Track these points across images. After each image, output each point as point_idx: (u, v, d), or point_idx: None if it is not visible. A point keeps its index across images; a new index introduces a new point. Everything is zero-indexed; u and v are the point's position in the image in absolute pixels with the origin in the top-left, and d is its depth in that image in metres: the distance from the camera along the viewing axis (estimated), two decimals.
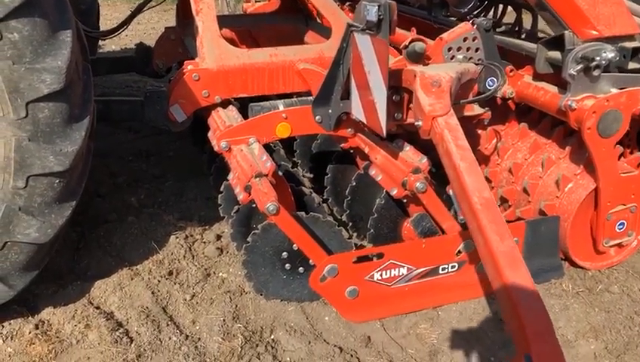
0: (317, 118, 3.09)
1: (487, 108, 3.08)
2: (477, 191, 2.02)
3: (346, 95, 2.96)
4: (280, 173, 2.89)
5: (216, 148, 3.12)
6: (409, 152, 2.90)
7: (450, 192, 2.21)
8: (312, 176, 4.17)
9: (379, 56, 2.50)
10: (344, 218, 3.54)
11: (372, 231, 3.15)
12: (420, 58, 3.09)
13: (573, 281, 3.23)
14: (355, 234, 3.62)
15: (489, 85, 3.32)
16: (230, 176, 2.97)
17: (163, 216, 3.81)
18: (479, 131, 3.79)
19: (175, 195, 4.15)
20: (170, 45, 4.69)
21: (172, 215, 3.83)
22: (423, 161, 2.79)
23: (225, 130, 3.10)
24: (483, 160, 3.77)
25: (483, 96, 2.92)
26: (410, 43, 3.07)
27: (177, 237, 3.52)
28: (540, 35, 5.69)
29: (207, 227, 3.70)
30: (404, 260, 2.82)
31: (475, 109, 3.03)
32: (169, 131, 3.82)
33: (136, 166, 4.65)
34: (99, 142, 5.14)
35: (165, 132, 4.51)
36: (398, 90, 2.87)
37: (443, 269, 2.91)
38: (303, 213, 2.84)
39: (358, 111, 2.85)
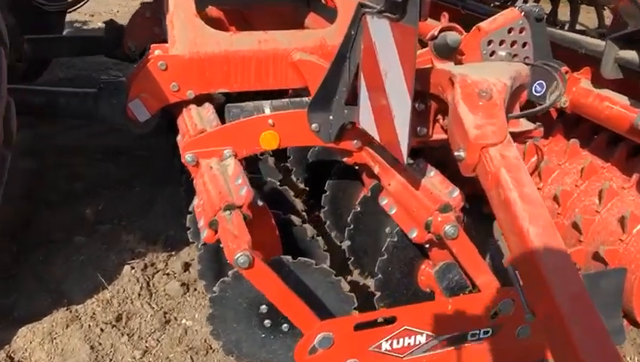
0: (313, 125, 2.36)
1: (538, 124, 2.33)
2: (561, 282, 1.27)
3: (353, 99, 2.22)
4: (260, 203, 2.15)
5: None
6: (435, 180, 2.16)
7: (515, 272, 1.47)
8: (307, 188, 3.44)
9: (402, 51, 1.76)
10: (344, 247, 2.82)
11: (380, 276, 2.43)
12: (451, 53, 2.33)
13: (637, 348, 2.52)
14: (357, 271, 2.91)
15: (536, 91, 2.59)
16: (195, 202, 2.24)
17: (121, 235, 3.09)
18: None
19: (141, 207, 3.42)
20: (145, 24, 3.93)
21: (133, 234, 3.10)
22: (454, 195, 2.06)
23: (192, 138, 2.37)
24: None
25: (540, 108, 2.17)
26: (439, 33, 2.32)
27: (134, 268, 2.80)
28: (578, 27, 4.95)
29: (173, 253, 2.98)
30: (422, 325, 2.11)
31: (522, 124, 2.28)
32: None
33: (102, 167, 3.92)
34: (63, 135, 4.47)
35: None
36: (423, 96, 2.13)
37: (473, 336, 2.20)
38: (289, 257, 2.11)
39: (367, 124, 2.11)
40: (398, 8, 1.71)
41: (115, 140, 4.20)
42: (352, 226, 2.75)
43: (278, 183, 2.76)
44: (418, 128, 2.20)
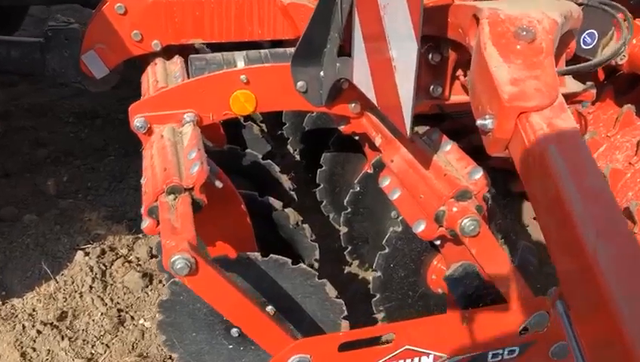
0: (299, 84, 1.85)
1: (590, 84, 1.79)
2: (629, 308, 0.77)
3: (346, 49, 1.70)
4: (219, 184, 1.64)
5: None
6: (452, 157, 1.64)
7: (566, 312, 0.98)
8: (304, 162, 2.95)
9: None
10: (341, 234, 2.34)
11: (379, 274, 1.94)
12: None
13: None
14: (355, 262, 2.43)
15: (585, 43, 2.04)
16: (143, 181, 1.76)
17: (83, 212, 2.64)
18: None
19: (112, 179, 2.96)
20: None
21: (97, 211, 2.65)
22: (476, 178, 1.54)
23: (144, 99, 1.87)
24: None
25: (594, 62, 1.63)
26: None
27: (88, 253, 2.35)
28: None
29: (140, 235, 2.52)
30: (429, 344, 1.63)
31: (567, 84, 1.74)
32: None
33: (74, 131, 3.46)
34: (34, 95, 4.01)
35: (125, 81, 3.22)
36: (438, 43, 1.60)
37: (495, 356, 1.71)
38: (255, 255, 1.63)
39: (363, 81, 1.59)
40: None
41: (91, 101, 3.72)
42: (349, 209, 2.26)
43: (261, 156, 2.26)
44: (431, 87, 1.68)
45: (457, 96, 1.68)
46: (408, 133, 1.34)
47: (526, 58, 1.04)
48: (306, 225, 2.00)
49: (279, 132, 3.16)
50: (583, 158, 0.90)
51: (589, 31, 2.00)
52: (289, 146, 3.14)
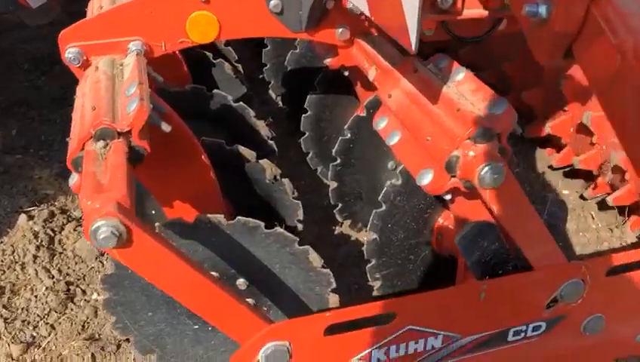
0: (272, 2, 1.48)
1: None
2: None
3: None
4: (167, 128, 1.26)
5: None
6: (466, 88, 1.28)
7: None
8: (288, 108, 2.58)
9: None
10: (330, 190, 2.00)
11: (375, 236, 1.61)
12: None
13: None
14: (347, 222, 2.09)
15: None
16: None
17: (32, 169, 2.29)
18: None
19: (69, 132, 2.58)
20: None
21: (49, 169, 2.30)
22: (499, 111, 1.19)
23: (77, 24, 1.49)
24: (578, 96, 2.17)
25: None
26: None
27: (33, 217, 2.01)
28: None
29: None
30: (437, 323, 1.31)
31: None
32: None
33: (30, 79, 3.07)
34: None
35: None
36: None
37: (517, 334, 1.41)
38: (219, 217, 1.28)
39: None
40: None
41: (52, 46, 3.29)
42: (339, 161, 1.92)
43: (232, 99, 1.90)
44: None
45: (473, 10, 1.30)
46: (414, 47, 0.98)
47: None
48: (285, 180, 1.66)
49: (260, 75, 2.80)
50: None
51: None
52: (271, 91, 2.78)
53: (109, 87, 1.27)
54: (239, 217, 1.30)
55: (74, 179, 1.19)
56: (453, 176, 1.20)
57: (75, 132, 1.21)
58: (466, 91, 1.28)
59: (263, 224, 1.30)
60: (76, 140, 1.17)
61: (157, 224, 1.29)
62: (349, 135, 1.89)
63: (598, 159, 2.11)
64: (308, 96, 2.19)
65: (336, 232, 2.14)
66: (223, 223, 1.28)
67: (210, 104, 1.88)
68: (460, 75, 1.32)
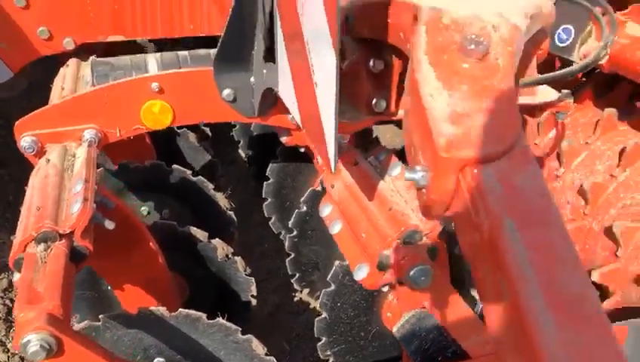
0: (225, 92, 1.54)
1: (566, 92, 1.51)
2: None
3: (272, 53, 1.40)
4: (110, 226, 1.30)
5: None
6: (401, 183, 1.35)
7: None
8: (253, 170, 2.65)
9: None
10: (286, 261, 2.05)
11: (325, 316, 1.66)
12: None
13: None
14: (306, 291, 2.14)
15: (560, 40, 1.77)
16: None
17: None
18: (525, 115, 2.25)
19: (6, 206, 2.63)
20: None
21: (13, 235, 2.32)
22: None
23: (32, 114, 1.55)
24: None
25: (570, 70, 1.35)
26: None
27: None
28: None
29: None
30: None
31: (540, 93, 1.46)
32: None
33: (2, 136, 3.10)
34: None
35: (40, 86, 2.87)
36: (380, 48, 1.30)
37: None
38: (162, 310, 1.33)
39: (287, 94, 1.30)
40: None
41: (26, 102, 3.34)
42: (295, 233, 1.97)
43: (191, 173, 1.96)
44: (374, 100, 1.37)
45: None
46: (333, 168, 1.04)
47: (474, 82, 0.75)
48: (238, 258, 1.71)
49: (230, 134, 2.86)
50: (556, 241, 0.61)
51: (565, 26, 1.73)
52: (240, 151, 2.85)
53: (57, 184, 1.32)
54: (181, 309, 1.34)
55: (16, 277, 1.23)
56: (384, 272, 1.26)
57: (19, 231, 1.26)
58: (400, 187, 1.35)
59: (204, 315, 1.34)
60: (18, 241, 1.21)
61: (101, 316, 1.33)
62: (304, 208, 1.95)
63: None
64: (270, 165, 2.26)
65: (295, 299, 2.18)
66: (165, 315, 1.33)
67: (169, 178, 1.94)
68: (397, 170, 1.39)
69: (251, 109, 1.61)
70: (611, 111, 2.06)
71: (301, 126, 1.22)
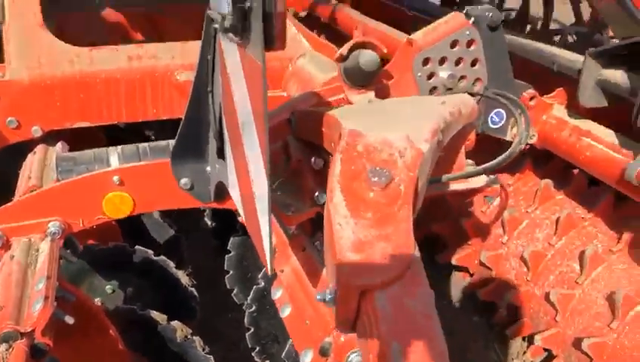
0: (182, 181, 1.66)
1: (492, 178, 1.66)
2: None
3: (222, 152, 1.53)
4: (70, 321, 1.38)
5: None
6: None
7: None
8: (217, 242, 2.74)
9: (252, 90, 1.07)
10: (246, 335, 2.13)
11: None
12: (368, 79, 1.66)
13: None
14: None
15: (493, 122, 1.93)
16: None
17: None
18: None
19: None
20: None
21: None
22: None
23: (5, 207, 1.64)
24: (478, 233, 2.37)
25: (495, 162, 1.50)
26: (349, 51, 1.63)
27: None
28: (554, 25, 4.28)
29: None
30: None
31: (471, 180, 1.61)
32: None
33: None
34: None
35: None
36: (319, 148, 1.44)
37: None
38: None
39: (234, 190, 1.42)
40: (237, 29, 1.01)
41: None
42: (254, 308, 2.06)
43: (153, 253, 2.05)
44: (316, 194, 1.51)
45: None
46: (269, 270, 1.15)
47: (378, 210, 0.88)
48: (196, 338, 1.79)
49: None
50: None
51: (497, 110, 1.89)
52: (206, 219, 2.94)
53: (20, 282, 1.40)
54: None
55: None
56: (326, 358, 1.36)
57: None
58: None
59: None
60: None
61: None
62: (262, 283, 2.04)
63: (497, 292, 2.30)
64: (231, 238, 2.36)
65: None
66: None
67: (133, 258, 2.03)
68: None
69: (208, 196, 1.73)
70: (547, 182, 2.22)
71: (242, 215, 1.34)
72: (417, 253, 0.85)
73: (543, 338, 1.98)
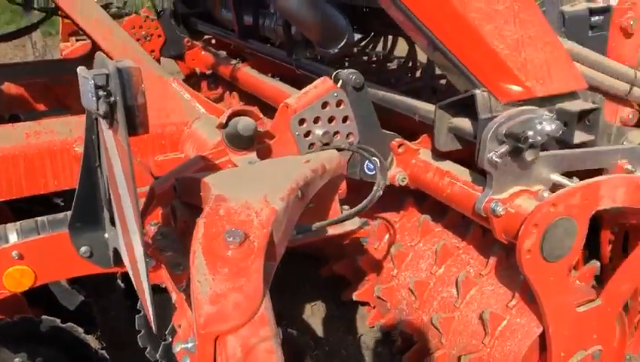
0: (82, 249, 1.76)
1: (364, 221, 1.88)
2: None
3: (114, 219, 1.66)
4: None
5: None
6: None
7: None
8: (131, 301, 2.80)
9: (122, 165, 1.23)
10: None
11: None
12: (248, 143, 1.86)
13: None
14: None
15: (369, 169, 2.16)
16: None
17: None
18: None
19: None
20: None
21: None
22: None
23: None
24: (373, 268, 2.59)
25: (355, 210, 1.72)
26: (228, 119, 1.83)
27: None
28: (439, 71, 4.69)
29: None
30: None
31: (346, 224, 1.82)
32: None
33: None
34: None
35: None
36: (202, 210, 1.60)
37: None
38: None
39: (124, 256, 1.55)
40: (106, 114, 1.18)
41: None
42: None
43: (60, 321, 2.11)
44: None
45: None
46: (154, 327, 1.29)
47: (233, 265, 1.05)
48: None
49: None
50: None
51: (379, 157, 2.13)
52: (118, 280, 3.00)
53: None
54: None
55: None
56: None
57: None
58: None
59: None
60: None
61: None
62: (169, 339, 2.14)
63: (392, 322, 2.50)
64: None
65: None
66: None
67: (40, 329, 2.08)
68: None
69: (108, 261, 1.83)
70: (426, 217, 2.48)
71: (132, 277, 1.47)
72: (267, 297, 1.03)
73: (433, 359, 2.19)
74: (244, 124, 1.78)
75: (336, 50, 2.86)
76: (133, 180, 1.14)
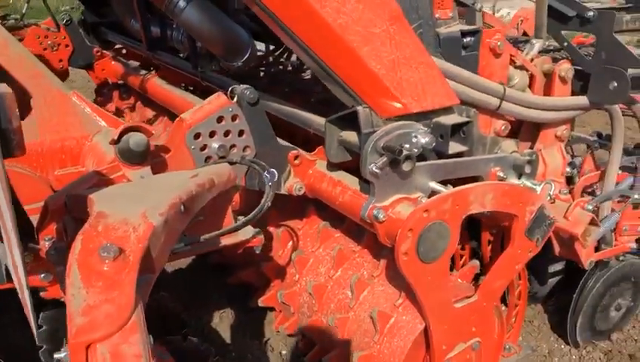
0: None
1: (257, 231, 1.98)
2: None
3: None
4: None
5: None
6: None
7: None
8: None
9: (2, 187, 1.27)
10: None
11: None
12: (141, 158, 1.91)
13: None
14: None
15: (268, 179, 2.26)
16: None
17: None
18: (270, 230, 2.73)
19: None
20: None
21: None
22: None
23: None
24: (277, 274, 2.70)
25: (243, 221, 1.81)
26: (121, 135, 1.88)
27: None
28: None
29: None
30: None
31: (240, 232, 1.92)
32: None
33: None
34: None
35: None
36: None
37: None
38: None
39: (12, 270, 1.57)
40: None
41: None
42: None
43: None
44: None
45: None
46: (37, 340, 1.33)
47: (107, 279, 1.12)
48: None
49: None
50: None
51: (270, 169, 2.23)
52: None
53: None
54: None
55: None
56: None
57: None
58: None
59: None
60: None
61: None
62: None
63: (296, 325, 2.62)
64: (41, 313, 2.43)
65: None
66: None
67: None
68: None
69: (1, 277, 1.84)
70: (326, 223, 2.62)
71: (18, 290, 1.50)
72: (140, 307, 1.10)
73: (330, 360, 2.32)
74: (135, 139, 1.84)
75: (239, 64, 2.95)
76: (7, 200, 1.18)
